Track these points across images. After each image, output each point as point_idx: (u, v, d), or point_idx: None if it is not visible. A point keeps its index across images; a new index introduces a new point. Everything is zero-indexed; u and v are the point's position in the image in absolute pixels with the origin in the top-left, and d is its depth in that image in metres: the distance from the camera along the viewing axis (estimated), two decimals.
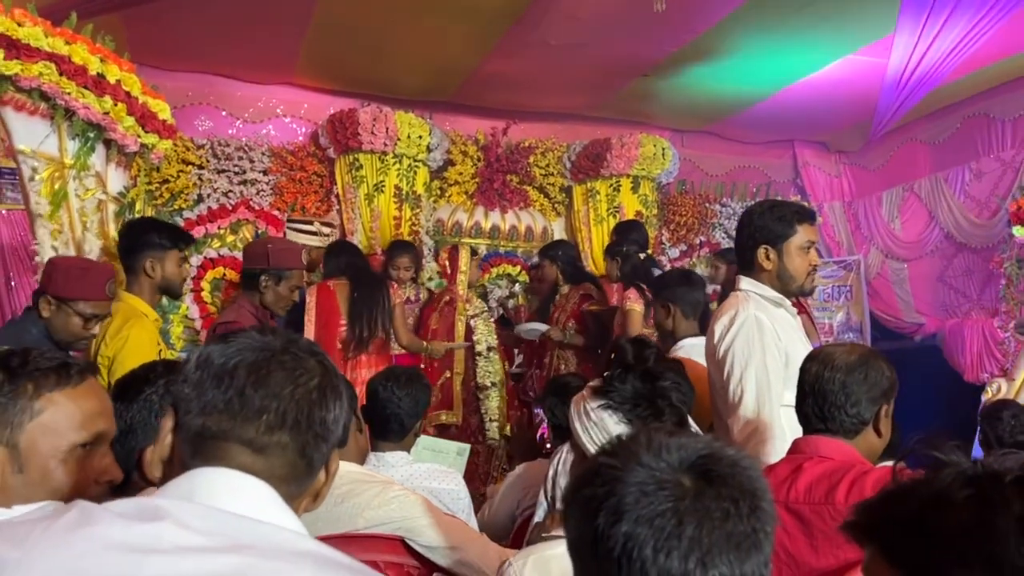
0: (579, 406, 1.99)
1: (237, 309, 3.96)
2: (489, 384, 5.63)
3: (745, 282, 2.99)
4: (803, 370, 2.23)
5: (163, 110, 4.08)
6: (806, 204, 3.07)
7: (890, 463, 2.41)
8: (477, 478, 5.39)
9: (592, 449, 1.92)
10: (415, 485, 2.96)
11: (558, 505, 2.18)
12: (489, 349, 5.60)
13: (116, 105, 3.82)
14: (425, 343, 5.47)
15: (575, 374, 4.47)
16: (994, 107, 6.78)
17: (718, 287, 6.17)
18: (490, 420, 5.63)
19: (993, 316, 6.54)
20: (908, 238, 7.61)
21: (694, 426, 1.97)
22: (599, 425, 1.93)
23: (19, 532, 0.96)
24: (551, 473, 2.26)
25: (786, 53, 5.96)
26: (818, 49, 5.90)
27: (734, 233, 7.77)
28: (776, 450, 2.68)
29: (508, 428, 5.69)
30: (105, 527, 0.97)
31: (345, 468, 2.43)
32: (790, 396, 2.39)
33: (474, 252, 5.83)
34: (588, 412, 1.95)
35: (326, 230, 5.52)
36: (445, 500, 2.99)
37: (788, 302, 2.98)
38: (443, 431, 5.34)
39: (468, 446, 3.74)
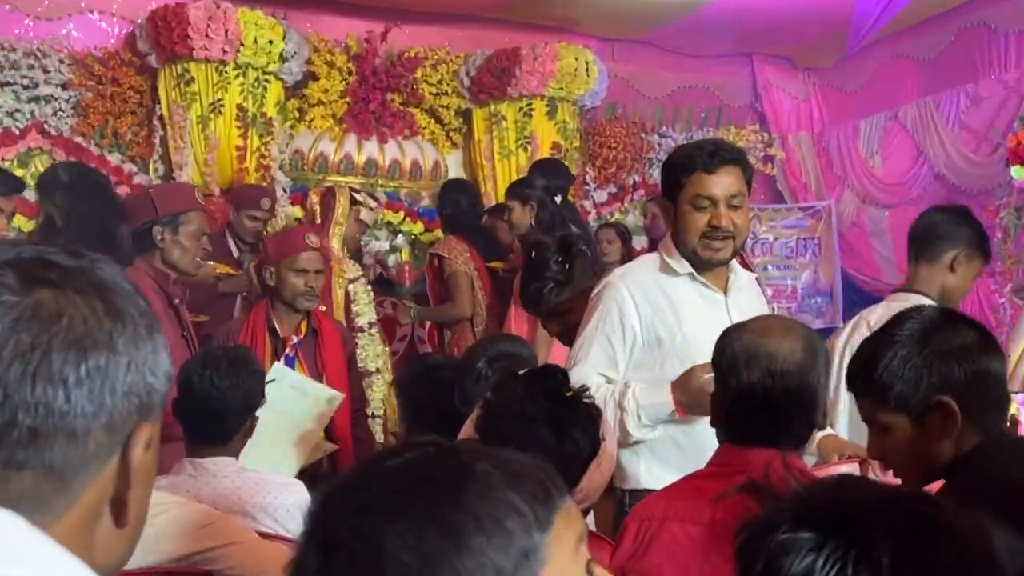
0: None
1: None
2: (373, 369, 5.51)
3: (665, 239, 3.11)
4: (735, 376, 2.15)
5: None
6: (720, 143, 3.07)
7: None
8: None
9: None
10: (243, 501, 2.88)
11: None
12: (370, 324, 5.47)
13: None
14: None
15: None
16: (995, 16, 6.89)
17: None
18: (372, 416, 5.50)
19: (989, 276, 6.69)
20: (890, 179, 7.72)
21: None
22: None
23: None
24: None
25: None
26: None
27: None
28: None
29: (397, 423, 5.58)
30: None
31: None
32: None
33: (354, 201, 5.64)
34: None
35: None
36: (282, 519, 2.92)
37: (688, 269, 2.98)
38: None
39: (342, 395, 3.97)
